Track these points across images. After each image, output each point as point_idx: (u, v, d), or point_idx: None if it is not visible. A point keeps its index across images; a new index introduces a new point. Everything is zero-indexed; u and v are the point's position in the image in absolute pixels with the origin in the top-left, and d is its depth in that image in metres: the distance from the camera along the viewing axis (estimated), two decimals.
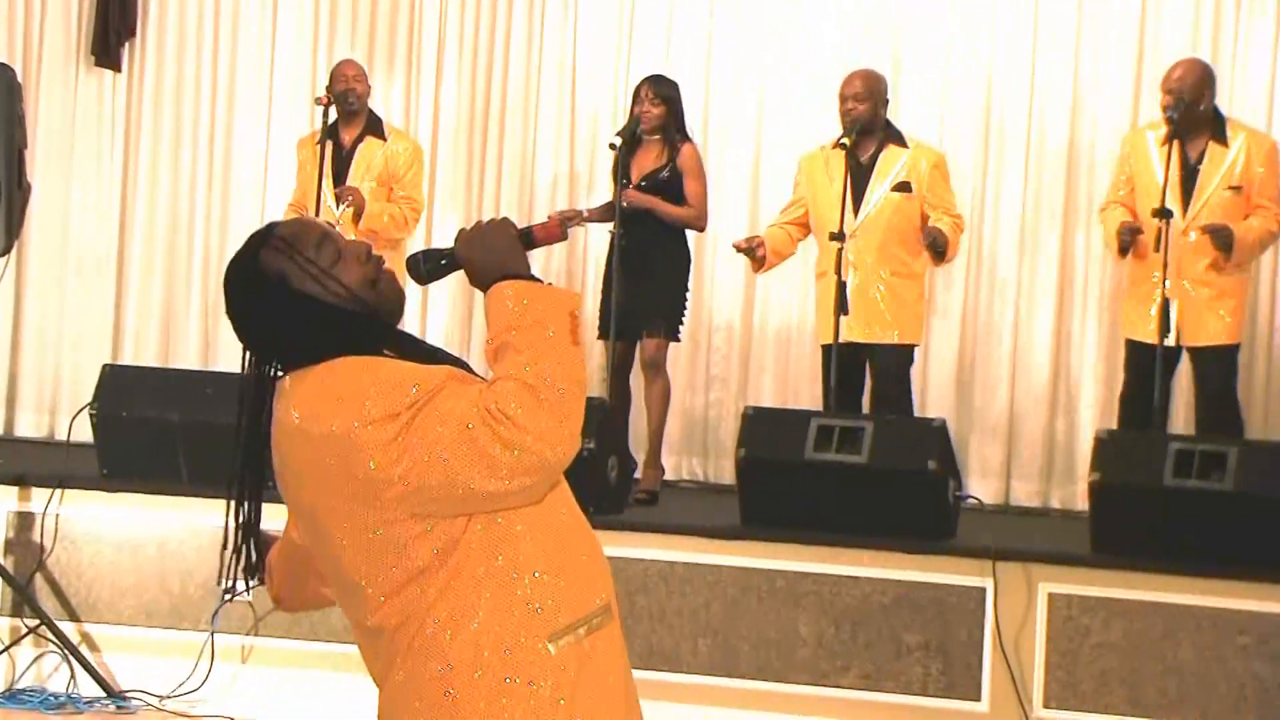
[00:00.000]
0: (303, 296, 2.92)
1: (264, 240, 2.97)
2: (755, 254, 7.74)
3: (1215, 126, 7.46)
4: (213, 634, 7.02)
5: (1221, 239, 7.27)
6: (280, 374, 2.97)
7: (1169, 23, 8.89)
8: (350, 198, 8.25)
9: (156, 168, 9.99)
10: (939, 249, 7.57)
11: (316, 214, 8.31)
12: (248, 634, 7.05)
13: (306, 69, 9.87)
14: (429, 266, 3.01)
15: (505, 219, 2.98)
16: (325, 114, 8.37)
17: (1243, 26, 8.82)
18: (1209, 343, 7.47)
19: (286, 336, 2.93)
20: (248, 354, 3.00)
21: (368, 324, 2.94)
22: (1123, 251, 7.45)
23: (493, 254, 2.91)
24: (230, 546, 3.08)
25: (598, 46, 9.56)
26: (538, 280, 2.87)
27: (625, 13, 9.52)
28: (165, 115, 9.99)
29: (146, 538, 7.19)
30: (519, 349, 2.77)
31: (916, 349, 7.96)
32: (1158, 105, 7.52)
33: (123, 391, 7.41)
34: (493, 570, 2.80)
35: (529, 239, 2.97)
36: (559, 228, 3.05)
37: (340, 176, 8.41)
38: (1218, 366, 7.53)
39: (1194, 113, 7.37)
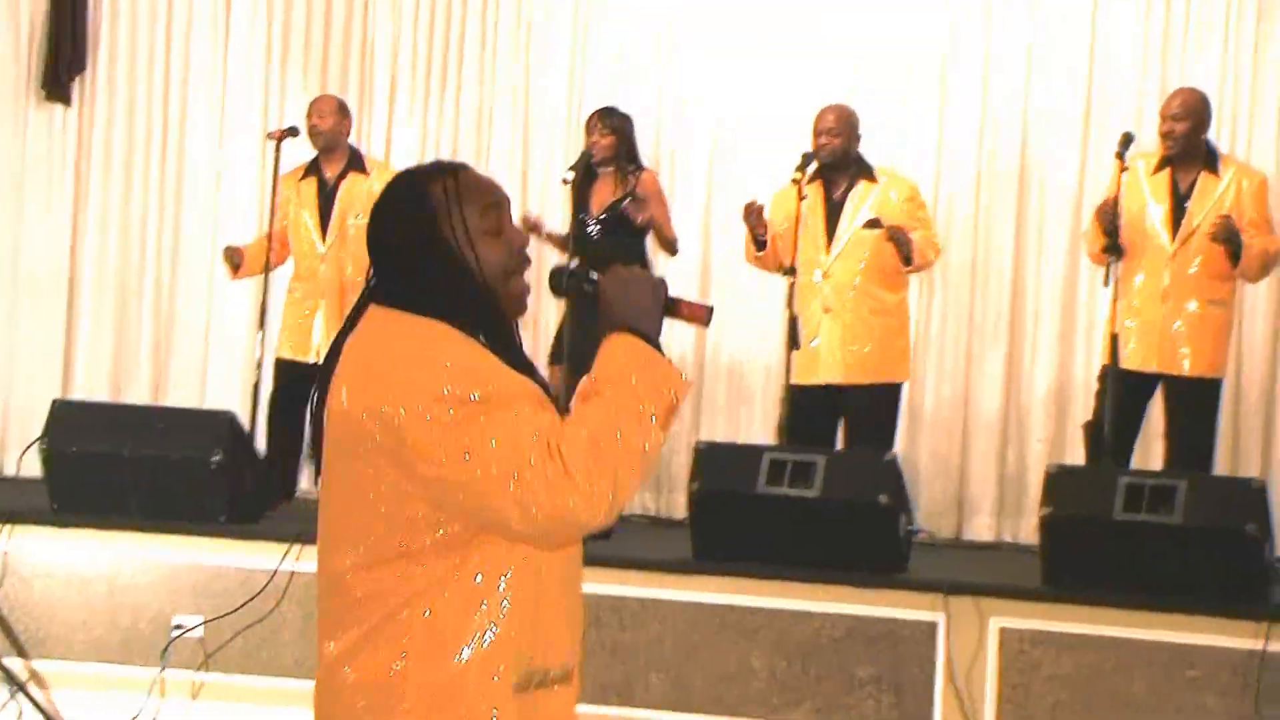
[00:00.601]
0: (438, 242, 2.86)
1: (445, 173, 2.91)
2: (758, 230, 7.62)
3: (1208, 158, 7.45)
4: (163, 670, 6.98)
5: (1228, 233, 7.15)
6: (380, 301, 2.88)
7: (1117, 52, 8.96)
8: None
9: (107, 201, 9.94)
10: (902, 245, 7.48)
11: (301, 249, 8.32)
12: (198, 669, 7.01)
13: (258, 103, 9.84)
14: (571, 283, 2.98)
15: (662, 280, 2.92)
16: (277, 148, 8.31)
17: (1190, 54, 8.88)
18: (1187, 374, 7.39)
19: (403, 266, 2.87)
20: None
21: (479, 305, 2.86)
22: (1106, 234, 7.32)
23: (633, 305, 2.86)
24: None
25: (550, 82, 9.56)
26: (660, 350, 2.82)
27: (578, 47, 9.54)
28: (116, 149, 9.95)
29: (97, 573, 7.14)
30: (609, 407, 2.73)
31: (903, 386, 7.88)
32: (1116, 137, 7.49)
33: (73, 426, 7.37)
34: (485, 589, 2.75)
35: (673, 308, 2.93)
36: (704, 312, 3.00)
37: (325, 212, 8.35)
38: (1194, 400, 7.44)
39: (1190, 142, 7.40)
